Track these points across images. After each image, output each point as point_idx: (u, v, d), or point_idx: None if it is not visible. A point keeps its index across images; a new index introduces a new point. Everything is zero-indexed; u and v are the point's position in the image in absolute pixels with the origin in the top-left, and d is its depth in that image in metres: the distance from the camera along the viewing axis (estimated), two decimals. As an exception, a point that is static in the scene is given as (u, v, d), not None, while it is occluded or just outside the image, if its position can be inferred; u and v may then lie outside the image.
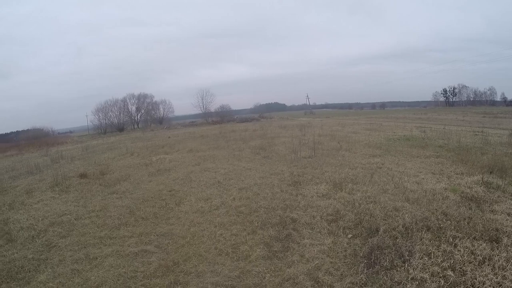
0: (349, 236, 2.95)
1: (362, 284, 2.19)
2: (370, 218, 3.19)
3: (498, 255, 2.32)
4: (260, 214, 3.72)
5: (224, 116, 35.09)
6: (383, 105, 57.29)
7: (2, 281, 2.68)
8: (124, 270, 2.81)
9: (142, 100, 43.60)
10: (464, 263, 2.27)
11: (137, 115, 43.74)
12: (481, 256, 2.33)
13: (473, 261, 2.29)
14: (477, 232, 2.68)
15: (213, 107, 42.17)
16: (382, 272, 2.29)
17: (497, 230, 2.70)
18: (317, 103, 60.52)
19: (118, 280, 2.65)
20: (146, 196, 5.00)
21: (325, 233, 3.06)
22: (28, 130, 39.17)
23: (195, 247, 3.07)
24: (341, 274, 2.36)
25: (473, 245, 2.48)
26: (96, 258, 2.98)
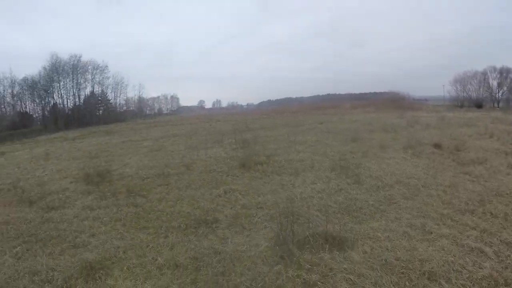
0: None
1: None
2: None
3: None
4: None
5: None
6: None
7: (339, 212, 5.68)
8: (453, 259, 4.21)
9: (505, 75, 62.50)
10: None
11: (498, 92, 63.60)
12: None
13: None
14: None
15: None
16: None
17: None
18: None
19: (443, 265, 4.05)
20: (501, 189, 7.28)
21: None
22: (385, 92, 62.07)
23: None
24: None
25: None
26: (431, 233, 4.98)
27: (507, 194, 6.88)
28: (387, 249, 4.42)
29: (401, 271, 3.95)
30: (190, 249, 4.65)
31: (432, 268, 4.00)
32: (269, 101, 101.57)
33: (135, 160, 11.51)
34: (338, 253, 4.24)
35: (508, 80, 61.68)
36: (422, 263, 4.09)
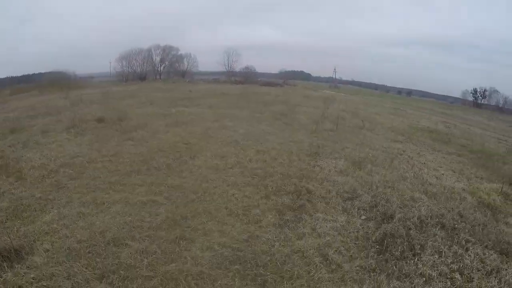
0: (363, 217, 4.85)
1: (371, 269, 3.80)
2: (386, 203, 5.25)
3: (506, 270, 3.94)
4: (275, 179, 6.02)
5: (247, 77, 57.65)
6: (409, 93, 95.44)
7: (8, 219, 4.72)
8: (130, 218, 4.54)
9: (167, 51, 70.92)
10: (473, 270, 3.88)
11: (160, 66, 71.48)
12: (490, 266, 3.97)
13: (481, 270, 3.90)
14: (489, 241, 4.50)
15: (238, 67, 67.97)
16: (392, 261, 3.92)
17: (508, 243, 4.49)
18: (343, 78, 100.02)
19: (123, 228, 4.30)
20: (161, 146, 8.39)
21: (339, 210, 5.05)
22: (50, 72, 57.76)
23: (205, 204, 5.09)
24: (351, 256, 3.98)
25: (484, 253, 4.22)
26: (104, 204, 5.01)
27: (167, 148, 7.90)
28: (67, 237, 4.14)
29: (87, 251, 3.83)
30: None
31: (114, 235, 4.11)
32: None
33: None
34: (19, 265, 3.59)
35: (170, 56, 70.16)
36: (103, 235, 4.13)
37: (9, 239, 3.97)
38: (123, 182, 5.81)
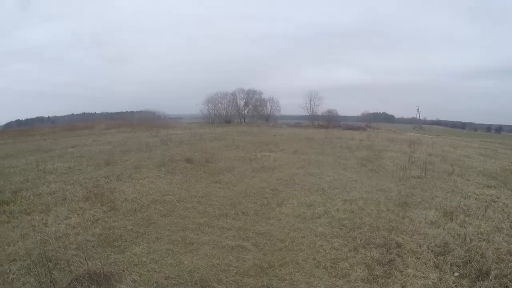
0: (456, 274, 4.50)
1: (464, 335, 3.75)
2: (481, 258, 4.83)
3: None
4: (364, 231, 5.84)
5: (330, 121, 59.72)
6: (499, 129, 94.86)
7: (99, 244, 5.10)
8: (218, 261, 4.56)
9: (251, 95, 75.86)
10: None
11: (244, 109, 75.94)
12: None
13: None
14: None
15: (320, 111, 69.41)
16: (487, 326, 3.88)
17: None
18: (427, 118, 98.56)
19: (210, 270, 4.32)
20: (248, 191, 8.55)
21: (430, 265, 4.70)
22: (141, 111, 64.10)
23: (293, 254, 4.98)
24: (443, 318, 3.93)
25: None
26: (193, 244, 5.15)
27: (254, 194, 8.05)
28: (155, 271, 4.27)
29: (174, 288, 3.93)
30: None
31: (201, 276, 4.13)
32: (17, 121, 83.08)
33: None
34: (107, 291, 3.81)
35: (253, 99, 74.57)
36: (191, 274, 4.17)
37: (100, 264, 4.21)
38: (211, 224, 5.98)
